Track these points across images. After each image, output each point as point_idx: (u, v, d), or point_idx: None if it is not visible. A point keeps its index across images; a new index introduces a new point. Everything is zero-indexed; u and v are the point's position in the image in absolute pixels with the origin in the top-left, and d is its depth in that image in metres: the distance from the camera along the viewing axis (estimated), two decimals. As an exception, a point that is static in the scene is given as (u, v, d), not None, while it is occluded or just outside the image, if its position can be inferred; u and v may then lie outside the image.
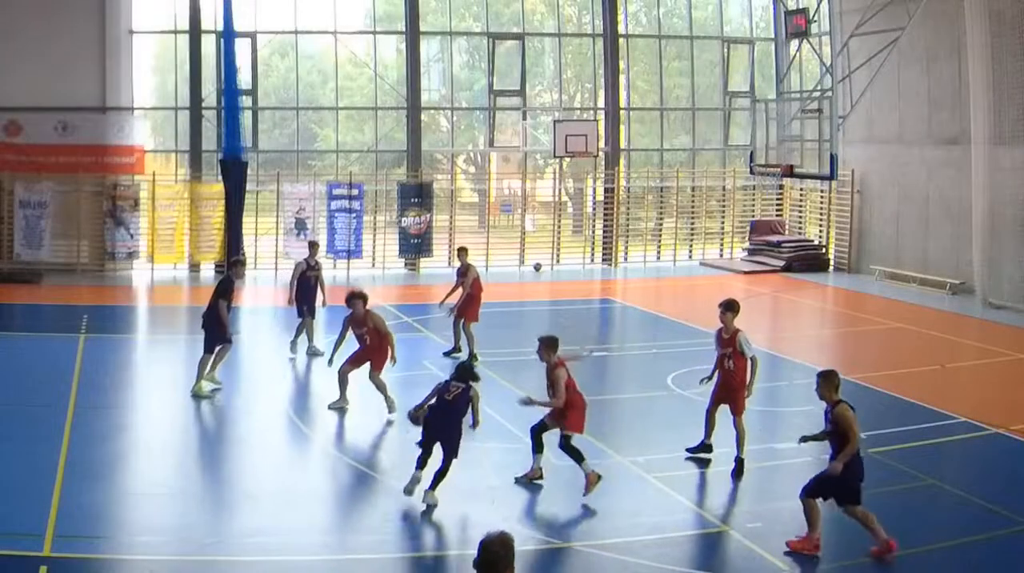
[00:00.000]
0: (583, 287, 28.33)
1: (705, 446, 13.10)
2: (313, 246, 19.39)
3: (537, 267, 30.01)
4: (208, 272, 28.48)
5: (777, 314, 25.38)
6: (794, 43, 30.45)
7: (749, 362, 12.71)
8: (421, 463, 11.32)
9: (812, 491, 10.22)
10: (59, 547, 9.90)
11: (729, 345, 12.81)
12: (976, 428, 14.39)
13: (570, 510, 11.60)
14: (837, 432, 10.10)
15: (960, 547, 10.47)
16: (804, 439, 10.72)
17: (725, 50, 33.03)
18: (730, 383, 12.80)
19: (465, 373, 11.68)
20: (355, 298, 14.81)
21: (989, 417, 14.73)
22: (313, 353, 18.16)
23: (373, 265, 29.40)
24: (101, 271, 27.84)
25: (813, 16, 28.85)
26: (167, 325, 23.24)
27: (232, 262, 17.38)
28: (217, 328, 15.85)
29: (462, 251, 19.10)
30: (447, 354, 18.35)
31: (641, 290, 27.92)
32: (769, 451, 13.42)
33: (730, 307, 12.93)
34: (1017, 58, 23.55)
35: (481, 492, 11.90)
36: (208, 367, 15.91)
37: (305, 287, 18.39)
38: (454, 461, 11.22)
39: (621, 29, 31.91)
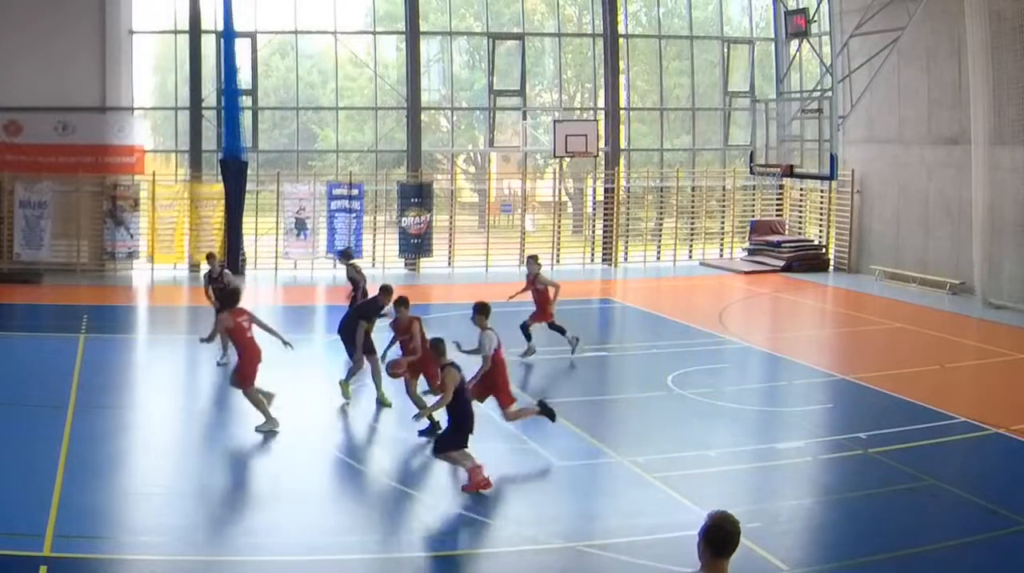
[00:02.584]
0: (583, 287, 28.29)
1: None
2: (211, 257, 18.99)
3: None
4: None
5: (777, 314, 25.36)
6: (794, 43, 30.42)
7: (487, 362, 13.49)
8: None
9: (438, 451, 11.95)
10: (59, 547, 9.89)
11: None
12: (976, 428, 14.37)
13: (570, 510, 11.60)
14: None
15: (960, 547, 10.45)
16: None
17: (725, 50, 33.02)
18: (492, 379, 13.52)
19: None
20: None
21: (989, 417, 14.71)
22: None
23: (373, 265, 29.33)
24: (101, 271, 27.84)
25: (813, 16, 28.82)
26: (167, 325, 23.22)
27: (382, 288, 15.85)
28: (353, 346, 15.53)
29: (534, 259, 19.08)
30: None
31: (641, 290, 27.90)
32: (769, 451, 13.43)
33: (478, 310, 13.84)
34: (1017, 58, 23.53)
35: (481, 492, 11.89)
36: (373, 373, 15.43)
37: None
38: None
39: (621, 29, 31.89)
